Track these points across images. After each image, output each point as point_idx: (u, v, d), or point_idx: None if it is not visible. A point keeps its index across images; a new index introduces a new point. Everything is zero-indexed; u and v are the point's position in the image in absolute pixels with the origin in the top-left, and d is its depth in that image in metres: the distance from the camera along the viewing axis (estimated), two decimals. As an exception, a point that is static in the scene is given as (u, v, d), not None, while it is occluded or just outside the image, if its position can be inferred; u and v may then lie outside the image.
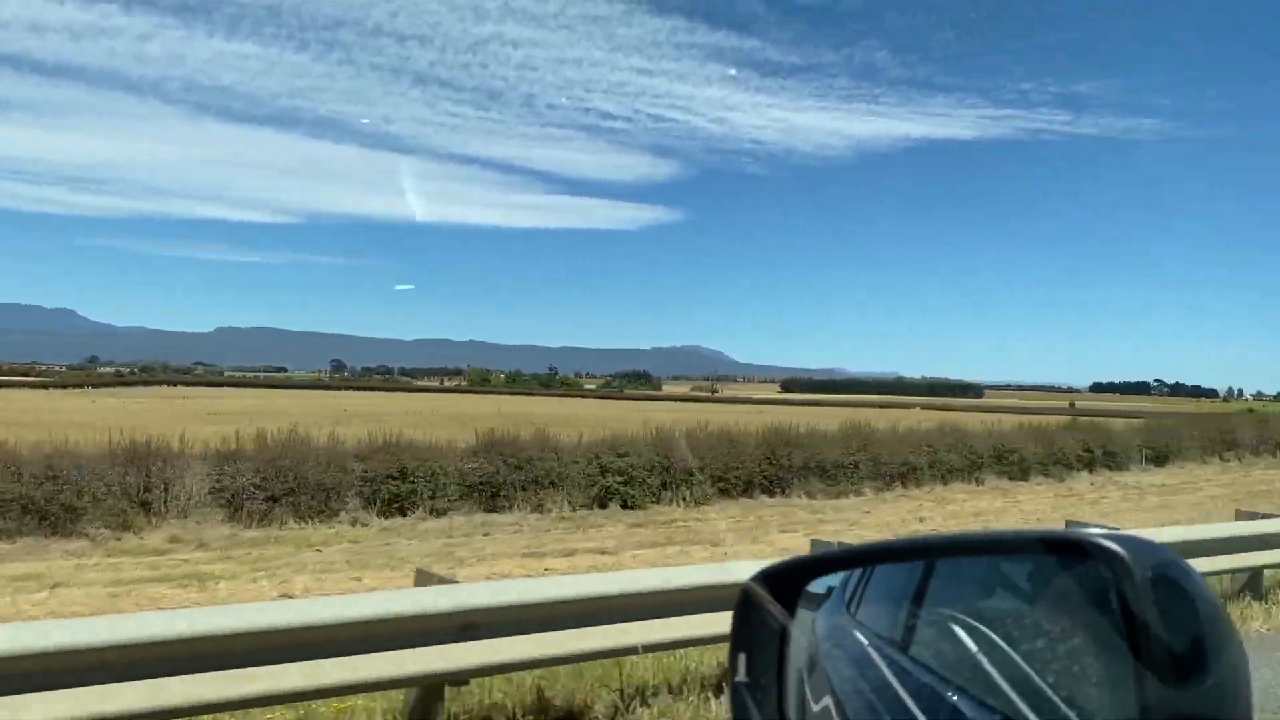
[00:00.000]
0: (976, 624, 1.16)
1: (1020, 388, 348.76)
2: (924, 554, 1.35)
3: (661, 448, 23.45)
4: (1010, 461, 29.14)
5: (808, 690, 1.39)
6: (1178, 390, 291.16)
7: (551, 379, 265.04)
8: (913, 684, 1.21)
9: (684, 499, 22.63)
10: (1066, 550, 0.98)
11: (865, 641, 1.40)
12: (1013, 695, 1.02)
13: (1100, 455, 31.56)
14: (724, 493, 23.71)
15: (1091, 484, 29.38)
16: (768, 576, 1.34)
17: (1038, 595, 1.11)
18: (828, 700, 1.35)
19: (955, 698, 1.11)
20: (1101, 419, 37.05)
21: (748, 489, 24.14)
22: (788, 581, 1.35)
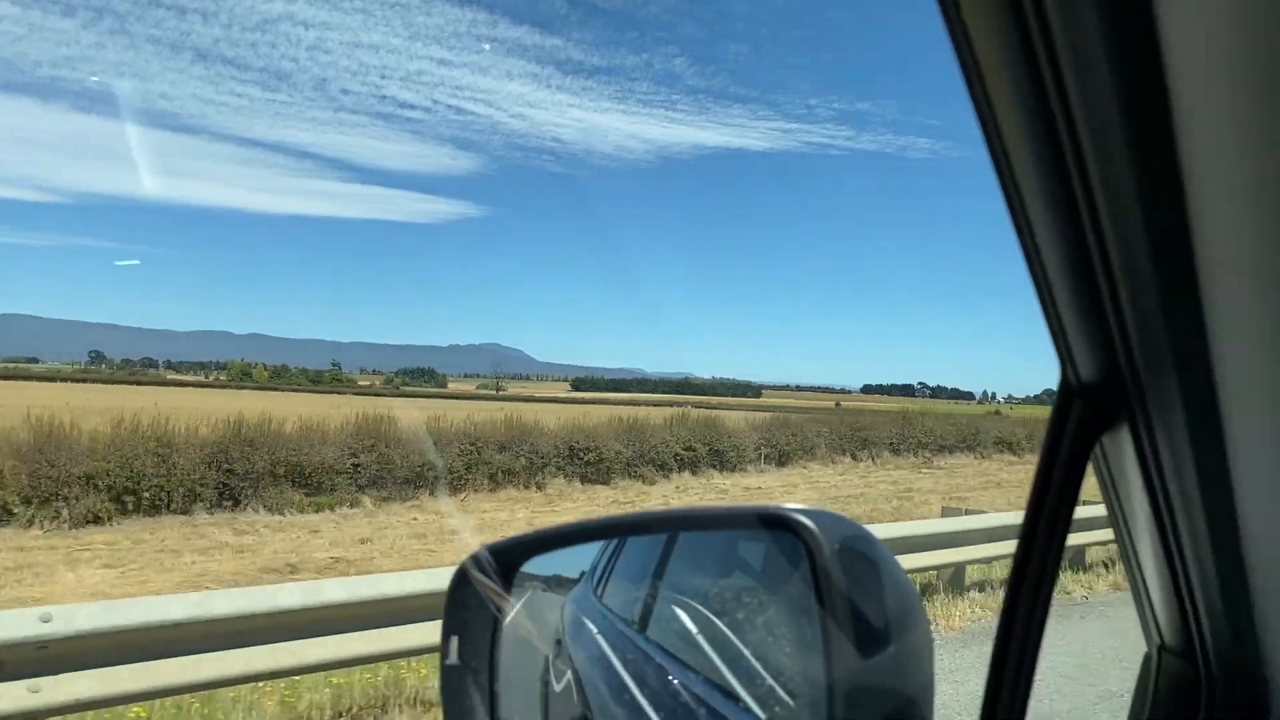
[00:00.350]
0: (695, 603, 1.23)
1: (799, 388, 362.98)
2: (638, 530, 1.38)
3: (45, 448, 17.34)
4: (587, 461, 24.92)
5: (552, 671, 1.42)
6: (938, 393, 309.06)
7: (321, 375, 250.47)
8: (643, 663, 1.27)
9: (58, 518, 16.68)
10: (772, 525, 0.99)
11: (607, 622, 1.44)
12: (724, 670, 1.09)
13: (707, 454, 27.97)
14: (149, 509, 17.91)
15: (677, 487, 25.62)
16: (493, 553, 1.29)
17: (758, 571, 1.13)
18: (569, 679, 1.39)
19: (675, 679, 1.18)
20: (720, 412, 33.80)
21: (187, 502, 18.46)
22: (507, 561, 1.31)
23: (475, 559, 1.26)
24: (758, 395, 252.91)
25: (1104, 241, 0.65)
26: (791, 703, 0.96)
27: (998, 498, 24.84)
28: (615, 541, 1.46)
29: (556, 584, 1.44)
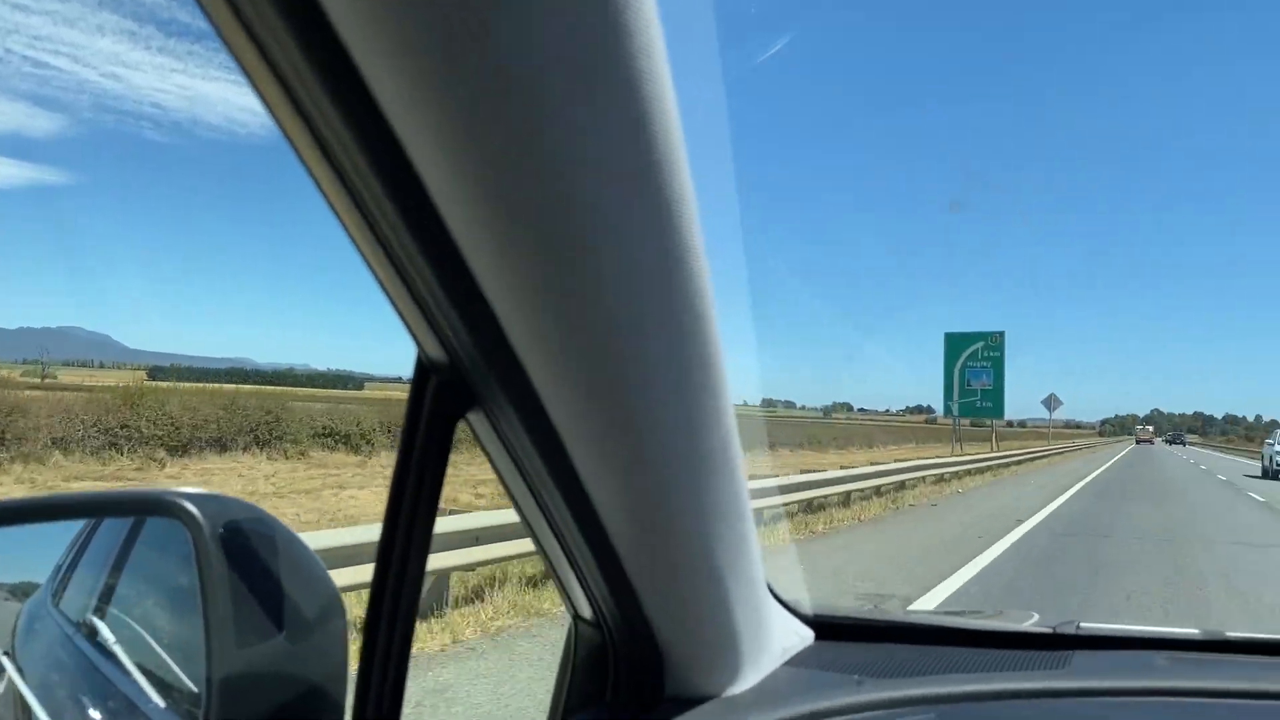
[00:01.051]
0: (126, 603, 1.21)
1: (400, 380, 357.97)
2: (27, 517, 1.18)
3: None
4: None
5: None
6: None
7: None
8: (82, 666, 1.19)
9: None
10: (157, 510, 0.94)
11: (59, 631, 1.34)
12: (135, 671, 1.04)
13: None
14: None
15: None
16: None
17: (163, 562, 1.05)
18: (11, 694, 1.26)
19: (103, 679, 1.12)
20: None
21: None
22: None
23: None
24: (360, 388, 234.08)
25: (384, 231, 0.66)
26: (195, 690, 0.88)
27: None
28: (79, 544, 1.32)
29: (23, 590, 1.32)
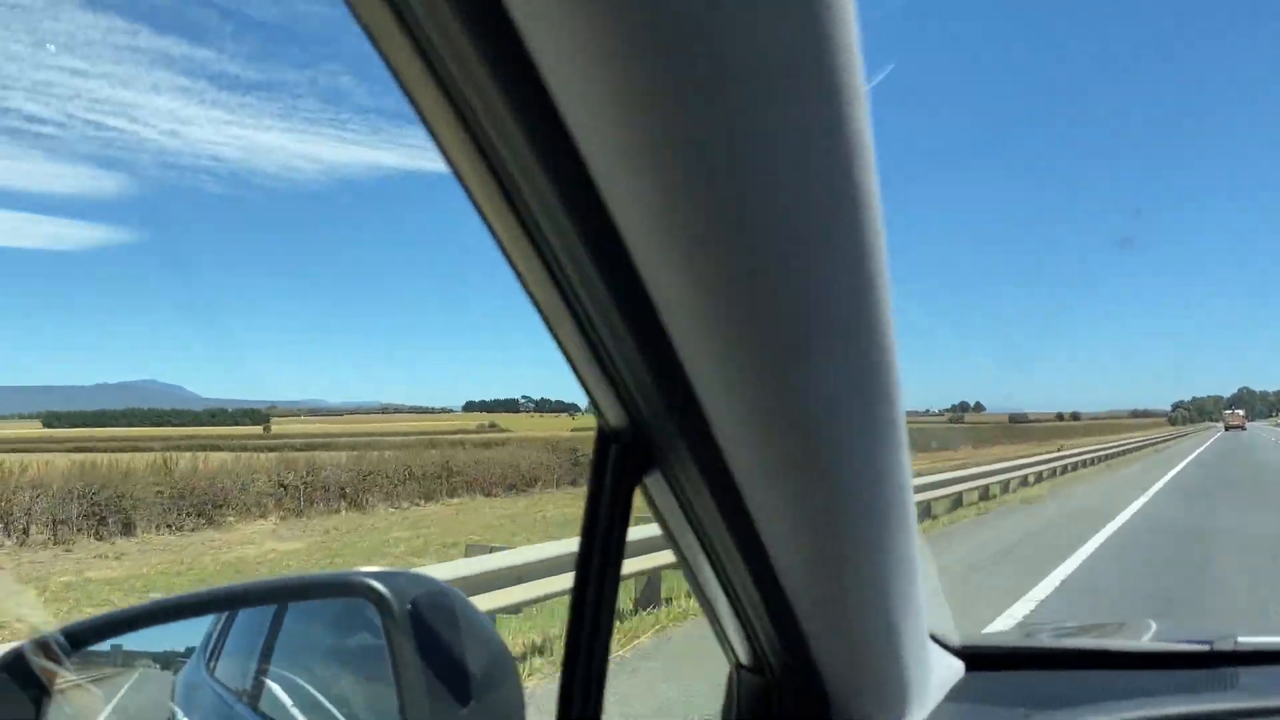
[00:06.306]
0: (301, 672, 1.24)
1: (396, 409, 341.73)
2: (211, 607, 1.31)
3: None
4: None
5: None
6: (542, 406, 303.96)
7: None
8: None
9: None
10: (348, 591, 0.98)
11: (218, 697, 1.38)
12: None
13: None
14: None
15: None
16: (66, 635, 1.17)
17: (352, 638, 1.12)
18: None
19: None
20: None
21: None
22: (81, 643, 1.19)
23: (39, 644, 1.15)
24: (264, 423, 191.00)
25: (576, 293, 0.66)
26: None
27: None
28: (226, 613, 1.37)
29: (167, 660, 1.34)
